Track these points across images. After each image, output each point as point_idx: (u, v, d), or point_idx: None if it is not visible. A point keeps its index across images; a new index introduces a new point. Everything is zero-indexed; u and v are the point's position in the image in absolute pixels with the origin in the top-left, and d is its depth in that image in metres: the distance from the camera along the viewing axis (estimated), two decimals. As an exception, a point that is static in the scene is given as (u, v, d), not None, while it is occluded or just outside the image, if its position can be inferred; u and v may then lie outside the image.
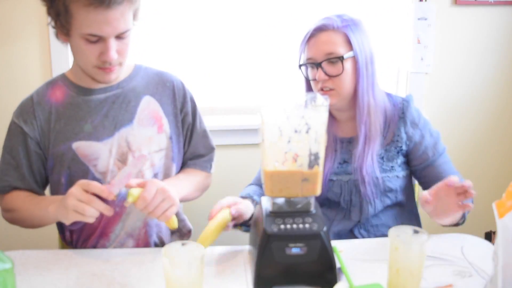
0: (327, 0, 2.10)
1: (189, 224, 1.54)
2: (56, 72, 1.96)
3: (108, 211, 1.14)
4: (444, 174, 1.39)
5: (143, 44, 2.09)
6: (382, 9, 2.22)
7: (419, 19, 2.16)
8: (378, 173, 1.38)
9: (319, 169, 1.06)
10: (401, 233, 1.00)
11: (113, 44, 1.21)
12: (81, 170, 1.32)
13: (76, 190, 1.14)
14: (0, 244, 2.06)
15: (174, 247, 0.95)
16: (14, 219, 1.34)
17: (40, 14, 1.95)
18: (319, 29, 1.38)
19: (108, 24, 1.18)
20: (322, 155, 1.06)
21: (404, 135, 1.41)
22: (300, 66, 1.45)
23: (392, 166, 1.40)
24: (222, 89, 2.23)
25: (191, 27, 2.15)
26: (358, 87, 1.38)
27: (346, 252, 1.21)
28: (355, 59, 1.37)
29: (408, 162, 1.44)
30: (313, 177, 1.06)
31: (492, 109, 2.31)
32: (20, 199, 1.33)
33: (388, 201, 1.41)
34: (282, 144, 1.04)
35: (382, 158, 1.40)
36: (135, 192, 1.16)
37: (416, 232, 1.00)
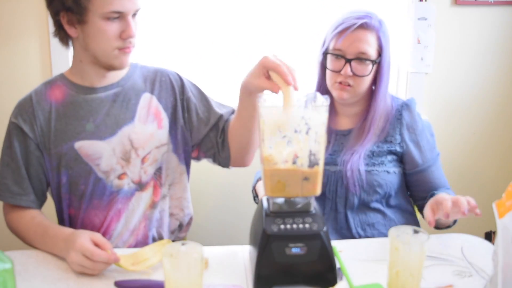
0: (329, 0, 2.10)
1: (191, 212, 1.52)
2: (56, 72, 1.95)
3: (114, 261, 1.12)
4: (433, 181, 1.44)
5: (143, 43, 2.08)
6: (382, 9, 2.21)
7: (419, 19, 2.16)
8: (362, 166, 1.40)
9: (319, 169, 1.06)
10: (401, 233, 1.00)
11: (131, 20, 1.25)
12: (83, 170, 1.32)
13: (77, 257, 1.11)
14: (0, 244, 2.06)
15: (174, 247, 0.96)
16: (18, 236, 1.34)
17: (40, 14, 1.95)
18: (360, 26, 1.36)
19: (128, 0, 1.22)
20: (322, 155, 1.06)
21: (398, 137, 1.43)
22: (325, 53, 1.43)
23: (382, 161, 1.42)
24: (222, 89, 2.22)
25: (191, 26, 2.15)
26: (378, 90, 1.42)
27: (346, 252, 1.21)
28: (380, 64, 1.41)
29: (400, 162, 1.46)
30: (313, 176, 1.06)
31: (492, 109, 2.31)
32: (23, 223, 1.31)
33: (378, 197, 1.42)
34: (282, 144, 1.04)
35: (372, 153, 1.42)
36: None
37: (416, 232, 1.00)
